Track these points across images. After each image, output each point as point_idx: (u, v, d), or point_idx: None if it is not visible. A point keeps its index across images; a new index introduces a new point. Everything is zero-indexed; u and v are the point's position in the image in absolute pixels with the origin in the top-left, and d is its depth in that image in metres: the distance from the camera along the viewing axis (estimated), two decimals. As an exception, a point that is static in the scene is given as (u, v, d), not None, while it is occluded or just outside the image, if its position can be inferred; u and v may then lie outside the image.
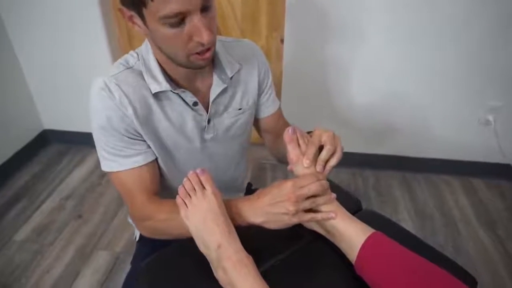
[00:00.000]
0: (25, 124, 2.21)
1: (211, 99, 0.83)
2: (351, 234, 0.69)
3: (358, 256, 0.68)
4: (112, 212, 1.83)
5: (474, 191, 1.98)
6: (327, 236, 0.76)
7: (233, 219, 0.70)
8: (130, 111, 0.75)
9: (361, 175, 2.11)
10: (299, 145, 0.78)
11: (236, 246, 0.66)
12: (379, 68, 1.84)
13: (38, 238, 1.69)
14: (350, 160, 1.91)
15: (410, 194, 1.97)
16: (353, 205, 0.90)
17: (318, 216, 0.71)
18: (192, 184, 0.71)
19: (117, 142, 0.77)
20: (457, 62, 1.77)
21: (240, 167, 1.06)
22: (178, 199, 0.71)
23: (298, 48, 1.85)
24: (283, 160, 1.01)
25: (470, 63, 1.77)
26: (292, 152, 0.77)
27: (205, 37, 0.65)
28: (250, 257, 0.66)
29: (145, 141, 0.81)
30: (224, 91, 0.85)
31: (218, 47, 0.81)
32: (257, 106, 0.97)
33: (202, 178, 0.71)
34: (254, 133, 1.07)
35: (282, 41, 1.87)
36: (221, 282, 0.66)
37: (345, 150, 0.77)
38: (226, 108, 0.88)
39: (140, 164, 0.80)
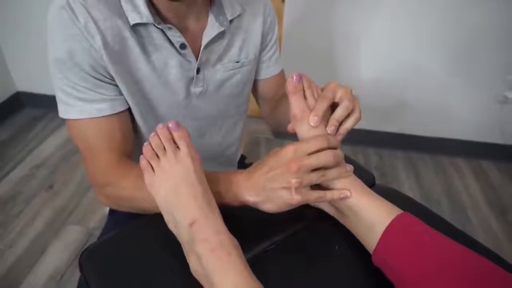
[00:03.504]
0: (-4, 85, 2.00)
1: (203, 43, 0.67)
2: (372, 215, 0.52)
3: (380, 242, 0.51)
4: (87, 183, 1.65)
5: (484, 175, 1.84)
6: (337, 217, 0.59)
7: (219, 196, 0.54)
8: (98, 41, 0.58)
9: (363, 153, 1.95)
10: (305, 97, 0.58)
11: (216, 225, 0.48)
12: (390, 39, 1.68)
13: (2, 209, 1.51)
14: (351, 137, 1.71)
15: (415, 176, 1.82)
16: (365, 180, 0.74)
17: (328, 195, 0.53)
18: (161, 141, 0.52)
19: (77, 81, 0.60)
20: (472, 33, 1.60)
21: (233, 135, 0.88)
22: (142, 161, 0.53)
23: (301, 8, 1.65)
24: (280, 129, 0.83)
25: (486, 33, 1.60)
26: (295, 106, 0.57)
27: None
28: (235, 241, 0.49)
29: (116, 85, 0.63)
30: (220, 35, 0.69)
31: None
32: (257, 64, 0.81)
33: (176, 135, 0.52)
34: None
35: (283, 0, 1.67)
36: (195, 274, 0.49)
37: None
38: (220, 58, 0.72)
39: (105, 114, 0.62)
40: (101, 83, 0.62)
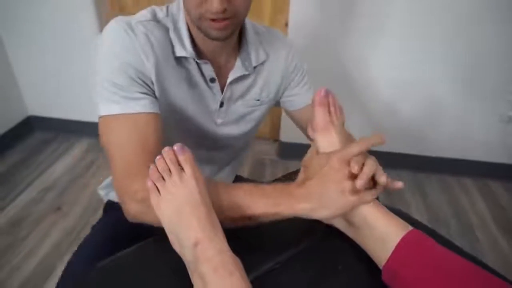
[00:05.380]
0: (8, 109, 2.05)
1: (228, 81, 0.76)
2: (386, 229, 0.54)
3: (393, 254, 0.52)
4: (94, 205, 1.67)
5: (492, 195, 1.82)
6: (347, 231, 0.61)
7: (274, 207, 0.56)
8: (151, 61, 0.67)
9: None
10: (329, 112, 0.64)
11: (220, 245, 0.50)
12: (391, 60, 1.70)
13: (11, 231, 1.53)
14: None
15: (422, 196, 1.81)
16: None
17: (379, 188, 0.56)
18: (167, 164, 0.55)
19: (125, 83, 0.65)
20: (477, 54, 1.63)
21: (244, 153, 1.00)
22: (149, 182, 0.55)
23: (304, 33, 1.69)
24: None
25: (491, 55, 1.62)
26: (319, 117, 0.63)
27: (214, 3, 0.60)
28: (238, 260, 0.50)
29: (154, 95, 0.70)
30: (244, 77, 0.78)
31: (249, 30, 0.77)
32: (288, 97, 0.88)
33: (181, 158, 0.54)
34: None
35: (286, 24, 1.72)
36: None
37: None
38: (242, 96, 0.80)
39: (147, 110, 0.65)
40: (146, 89, 0.68)
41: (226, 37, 0.66)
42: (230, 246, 0.52)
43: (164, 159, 0.55)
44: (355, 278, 0.57)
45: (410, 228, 0.54)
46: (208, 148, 0.85)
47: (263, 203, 0.56)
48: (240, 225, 0.58)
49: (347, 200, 0.54)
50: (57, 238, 1.50)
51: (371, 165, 0.55)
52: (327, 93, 0.65)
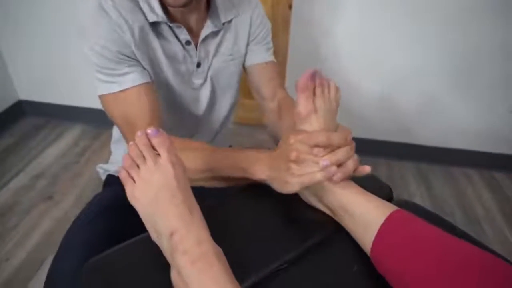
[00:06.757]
0: (-3, 93, 1.98)
1: (200, 39, 0.79)
2: (366, 215, 0.52)
3: (375, 242, 0.49)
4: (88, 194, 1.60)
5: (498, 187, 1.77)
6: (334, 217, 0.58)
7: (243, 172, 0.60)
8: (128, 35, 0.70)
9: (372, 163, 1.88)
10: (314, 93, 0.59)
11: (198, 235, 0.45)
12: (400, 48, 1.64)
13: (0, 220, 1.46)
14: (360, 147, 1.66)
15: (427, 187, 1.76)
16: (383, 194, 0.69)
17: (318, 175, 0.53)
18: (140, 150, 0.49)
19: (112, 65, 0.70)
20: (484, 42, 1.57)
21: (229, 121, 1.01)
22: (122, 172, 0.49)
23: (309, 16, 1.62)
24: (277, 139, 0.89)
25: (500, 43, 1.55)
26: (302, 104, 0.58)
27: None
28: (220, 250, 0.45)
29: (141, 65, 0.74)
30: (214, 34, 0.82)
31: None
32: (248, 52, 0.90)
33: (155, 141, 0.49)
34: (254, 115, 0.90)
35: (290, 7, 1.64)
36: None
37: (355, 136, 0.62)
38: (216, 53, 0.84)
39: (139, 82, 0.71)
40: (132, 61, 0.71)
41: (183, 4, 0.68)
42: (230, 246, 0.46)
43: (137, 145, 0.50)
44: (373, 282, 0.51)
45: (392, 210, 0.51)
46: (194, 121, 0.88)
47: (230, 163, 0.62)
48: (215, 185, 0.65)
49: (292, 179, 0.54)
50: (48, 228, 1.44)
51: (340, 155, 0.54)
52: (314, 75, 0.59)
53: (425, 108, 1.76)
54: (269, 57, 0.91)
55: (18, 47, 1.92)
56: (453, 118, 1.77)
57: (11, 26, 1.86)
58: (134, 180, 0.49)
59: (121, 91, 0.70)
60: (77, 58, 1.83)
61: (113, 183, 0.91)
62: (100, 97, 0.72)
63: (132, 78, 0.71)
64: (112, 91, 0.71)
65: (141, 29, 0.72)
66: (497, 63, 1.60)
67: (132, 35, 0.70)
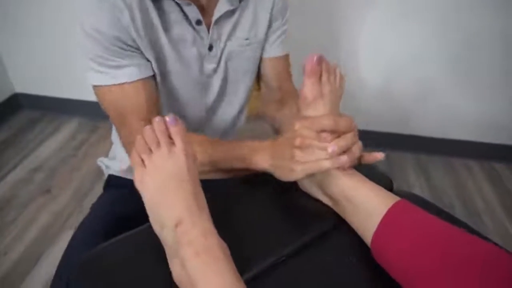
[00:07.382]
0: (-8, 86, 1.96)
1: (213, 19, 0.70)
2: (370, 202, 0.50)
3: (376, 232, 0.48)
4: (86, 188, 1.60)
5: (498, 178, 1.76)
6: (335, 208, 0.57)
7: (243, 161, 0.59)
8: (126, 16, 0.61)
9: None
10: (320, 80, 0.57)
11: (204, 228, 0.44)
12: (397, 36, 1.61)
13: (-2, 214, 1.46)
14: (359, 138, 1.65)
15: (426, 179, 1.75)
16: (383, 185, 0.68)
17: (325, 163, 0.52)
18: (156, 135, 0.48)
19: (107, 52, 0.63)
20: (484, 34, 1.54)
21: (241, 118, 0.91)
22: (134, 155, 0.49)
23: (306, 5, 1.60)
24: (275, 131, 0.89)
25: (501, 30, 1.53)
26: (308, 89, 0.57)
27: None
28: (224, 244, 0.44)
29: (143, 54, 0.67)
30: (229, 13, 0.72)
31: None
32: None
33: (173, 130, 0.49)
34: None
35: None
36: (178, 283, 0.44)
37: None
38: (230, 36, 0.75)
39: (136, 78, 0.65)
40: (127, 52, 0.64)
41: None
42: (229, 238, 0.45)
43: (153, 129, 0.48)
44: (373, 273, 0.50)
45: (395, 200, 0.49)
46: (200, 115, 0.82)
47: (231, 155, 0.61)
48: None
49: (297, 166, 0.53)
50: (46, 222, 1.43)
51: (349, 140, 0.53)
52: (320, 60, 0.57)
53: (424, 98, 1.75)
54: (284, 49, 0.85)
55: (13, 40, 1.90)
56: (452, 108, 1.76)
57: (5, 19, 1.83)
58: (144, 165, 0.48)
59: (116, 84, 0.64)
60: (74, 50, 1.80)
61: (116, 185, 0.87)
62: (92, 86, 0.67)
63: (129, 73, 0.64)
64: (105, 83, 0.65)
65: (143, 10, 0.64)
66: (500, 55, 1.58)
67: (132, 18, 0.62)
